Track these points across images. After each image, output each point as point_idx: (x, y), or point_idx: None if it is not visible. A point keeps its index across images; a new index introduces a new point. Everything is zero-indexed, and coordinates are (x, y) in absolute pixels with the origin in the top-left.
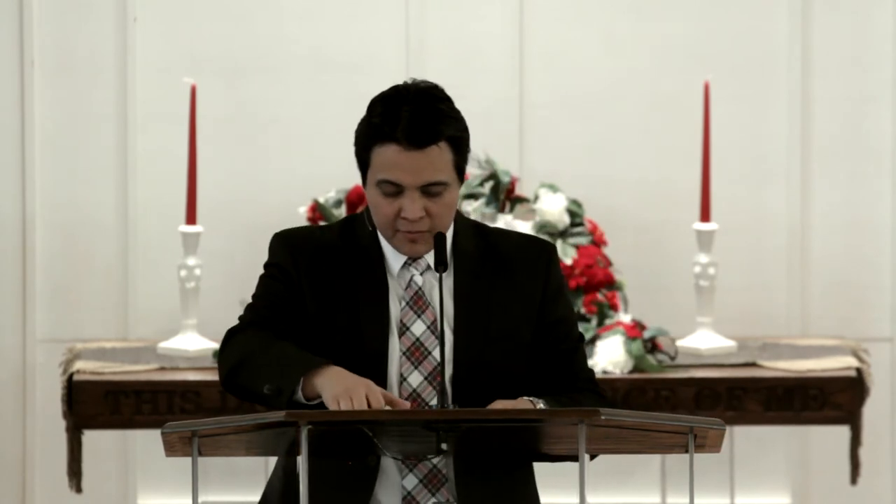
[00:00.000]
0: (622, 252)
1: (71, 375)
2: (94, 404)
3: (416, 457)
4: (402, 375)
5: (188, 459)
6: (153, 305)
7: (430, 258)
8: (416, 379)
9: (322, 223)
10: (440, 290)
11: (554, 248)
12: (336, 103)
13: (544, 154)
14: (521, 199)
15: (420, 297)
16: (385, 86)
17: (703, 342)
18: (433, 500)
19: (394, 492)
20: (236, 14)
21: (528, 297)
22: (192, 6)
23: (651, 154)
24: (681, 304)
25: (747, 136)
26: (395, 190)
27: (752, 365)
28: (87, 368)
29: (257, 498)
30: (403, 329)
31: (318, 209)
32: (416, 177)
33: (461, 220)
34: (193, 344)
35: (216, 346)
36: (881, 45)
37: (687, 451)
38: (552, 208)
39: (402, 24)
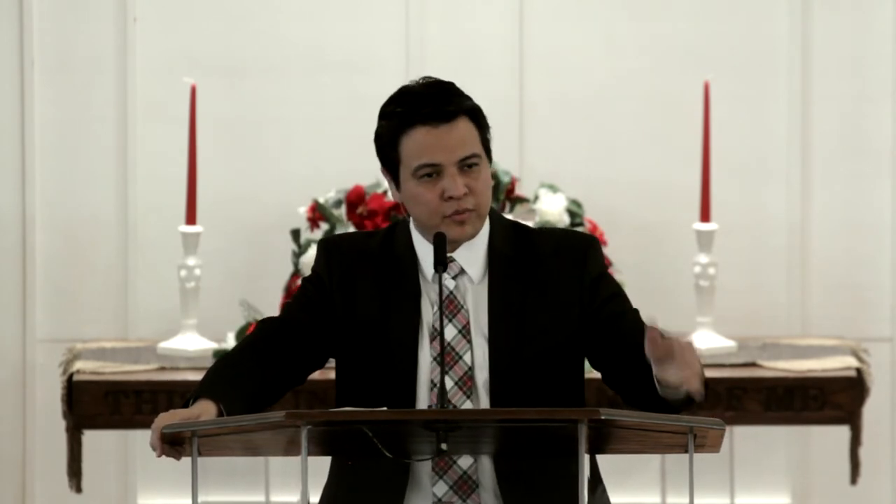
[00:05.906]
0: (622, 252)
1: (71, 375)
2: (94, 404)
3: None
4: (432, 381)
5: (188, 459)
6: (153, 305)
7: (462, 262)
8: (447, 383)
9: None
10: (440, 289)
11: (594, 239)
12: (336, 103)
13: (544, 154)
14: (521, 200)
15: (452, 300)
16: (385, 86)
17: (703, 342)
18: None
19: (425, 497)
20: (236, 14)
21: (566, 291)
22: (192, 6)
23: (651, 154)
24: (681, 304)
25: (747, 136)
26: (433, 171)
27: (752, 365)
28: (87, 368)
29: (257, 498)
30: (435, 334)
31: (318, 209)
32: (451, 153)
33: (497, 220)
34: (193, 344)
35: (216, 346)
36: (881, 45)
37: (687, 451)
38: (552, 208)
39: (402, 24)
